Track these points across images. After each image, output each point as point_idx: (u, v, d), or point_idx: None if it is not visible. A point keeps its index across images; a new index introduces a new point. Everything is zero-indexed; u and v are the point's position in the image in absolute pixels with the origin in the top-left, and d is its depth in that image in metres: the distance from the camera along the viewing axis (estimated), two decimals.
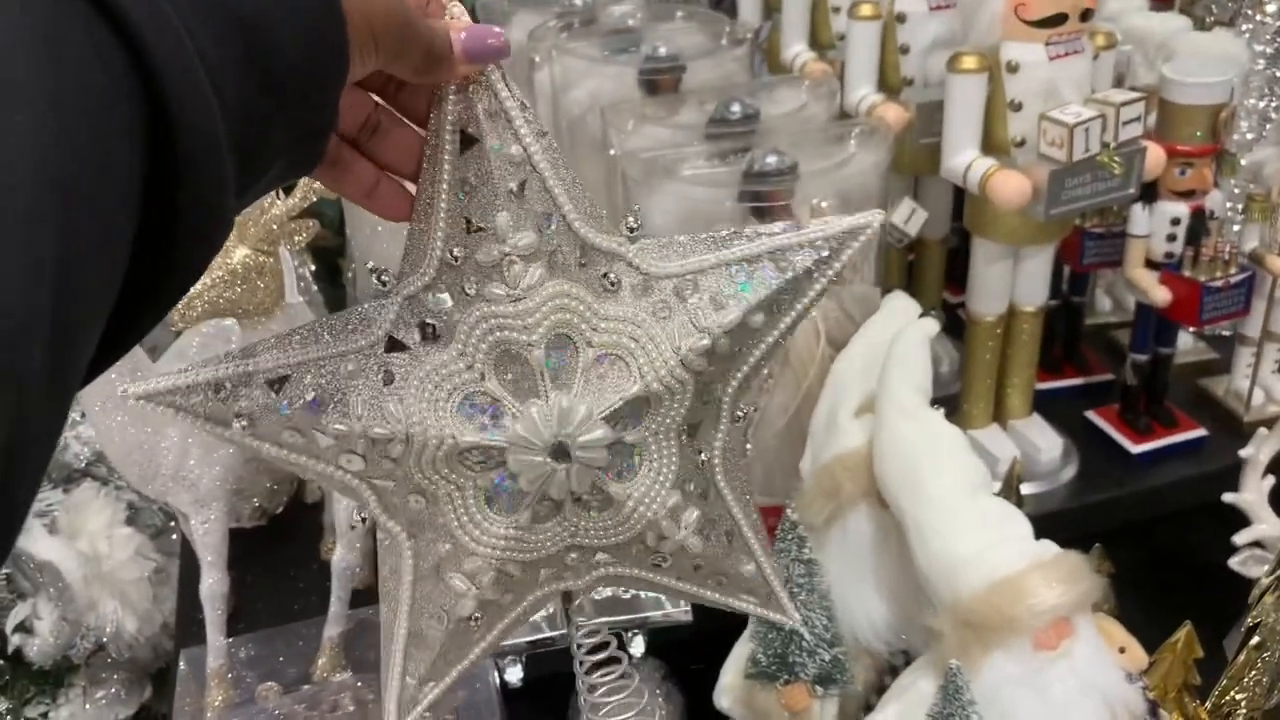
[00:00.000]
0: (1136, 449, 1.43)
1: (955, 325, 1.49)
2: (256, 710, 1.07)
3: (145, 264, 0.38)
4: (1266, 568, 1.09)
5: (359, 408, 0.59)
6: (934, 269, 1.58)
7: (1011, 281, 1.32)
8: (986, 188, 1.16)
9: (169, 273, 0.40)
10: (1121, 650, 0.98)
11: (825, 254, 0.62)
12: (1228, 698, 1.14)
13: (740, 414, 0.67)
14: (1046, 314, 1.37)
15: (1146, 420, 1.45)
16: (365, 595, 1.21)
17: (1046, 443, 1.39)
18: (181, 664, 1.14)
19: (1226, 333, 1.58)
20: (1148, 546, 1.61)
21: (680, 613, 1.20)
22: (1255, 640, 1.12)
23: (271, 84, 0.42)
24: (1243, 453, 1.37)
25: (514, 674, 1.22)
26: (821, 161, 1.24)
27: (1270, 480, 1.38)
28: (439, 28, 0.53)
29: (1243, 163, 1.47)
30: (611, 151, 1.33)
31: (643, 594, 1.24)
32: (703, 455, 0.66)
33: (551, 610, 1.19)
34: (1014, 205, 1.15)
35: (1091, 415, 1.49)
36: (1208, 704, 1.14)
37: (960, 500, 0.96)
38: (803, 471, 1.14)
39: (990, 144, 1.21)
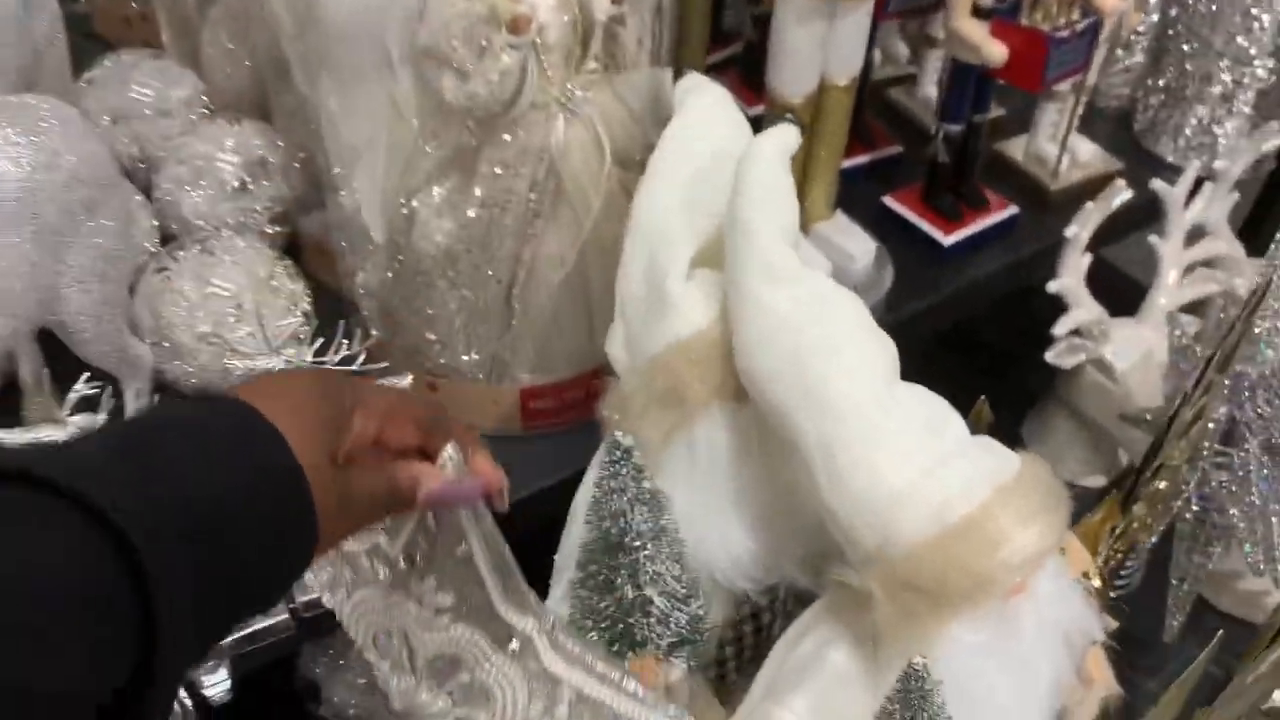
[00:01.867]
0: (948, 240, 1.19)
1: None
2: None
3: None
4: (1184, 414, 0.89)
5: None
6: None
7: (824, 49, 1.00)
8: None
9: None
10: (1060, 550, 0.75)
11: None
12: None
13: None
14: (860, 88, 1.07)
15: (952, 201, 1.22)
16: None
17: (860, 249, 1.12)
18: None
19: None
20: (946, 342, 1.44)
21: None
22: (1145, 478, 0.95)
23: (240, 596, 0.50)
24: (1067, 232, 1.17)
25: (217, 686, 0.84)
26: None
27: (1088, 258, 1.20)
28: (405, 486, 0.59)
29: None
30: None
31: None
32: None
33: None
34: None
35: (890, 201, 1.23)
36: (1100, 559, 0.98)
37: (879, 406, 0.66)
38: (613, 359, 0.80)
39: None
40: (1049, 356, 1.23)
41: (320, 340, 0.84)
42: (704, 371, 0.72)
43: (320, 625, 0.86)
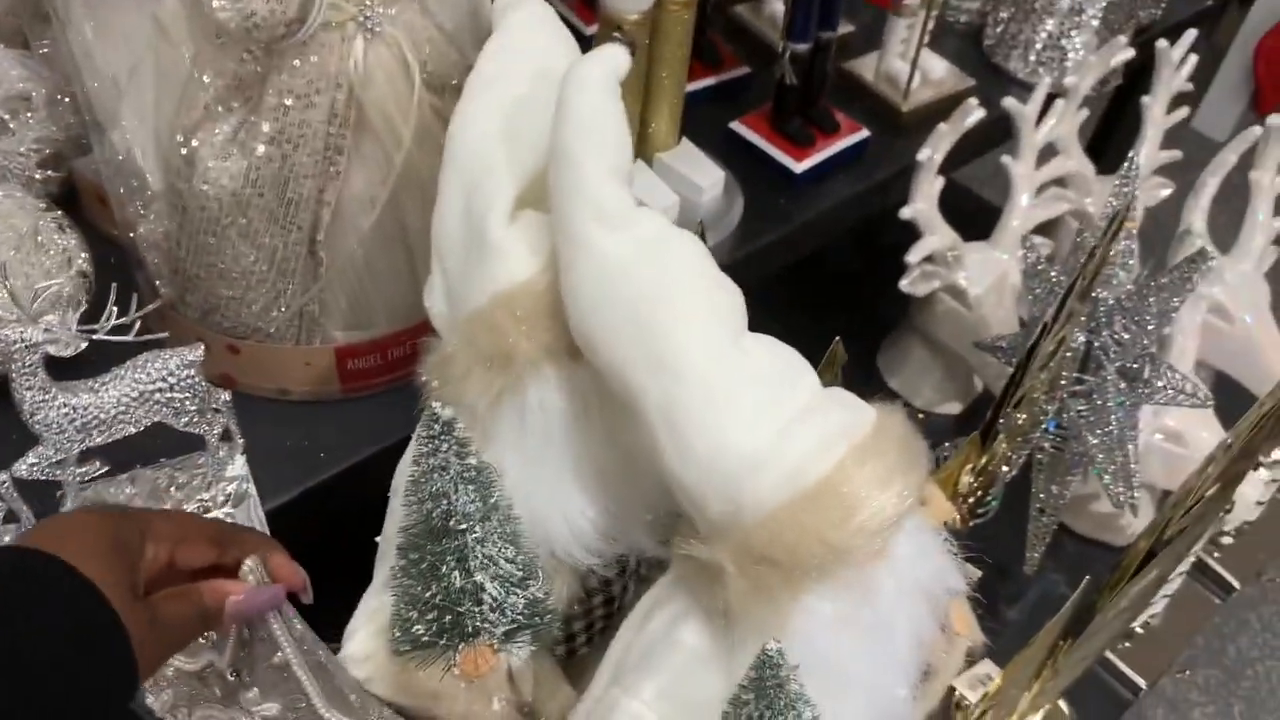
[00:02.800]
0: (800, 167, 1.13)
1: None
2: None
3: None
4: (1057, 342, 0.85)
5: None
6: None
7: None
8: None
9: None
10: (921, 502, 0.70)
11: None
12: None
13: None
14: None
15: (800, 124, 1.15)
16: None
17: (708, 180, 1.05)
18: None
19: None
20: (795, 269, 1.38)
21: None
22: (1007, 411, 0.91)
23: None
24: (920, 156, 1.12)
25: None
26: None
27: (941, 181, 1.16)
28: (211, 605, 0.60)
29: None
30: None
31: None
32: None
33: None
34: None
35: (739, 127, 1.16)
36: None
37: (726, 363, 0.59)
38: (432, 313, 0.70)
39: None
40: (903, 285, 1.19)
41: (84, 308, 0.72)
42: (531, 327, 0.64)
43: None
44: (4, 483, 0.70)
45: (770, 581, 0.58)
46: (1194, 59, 1.30)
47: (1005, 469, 0.97)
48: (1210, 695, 1.80)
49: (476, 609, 0.66)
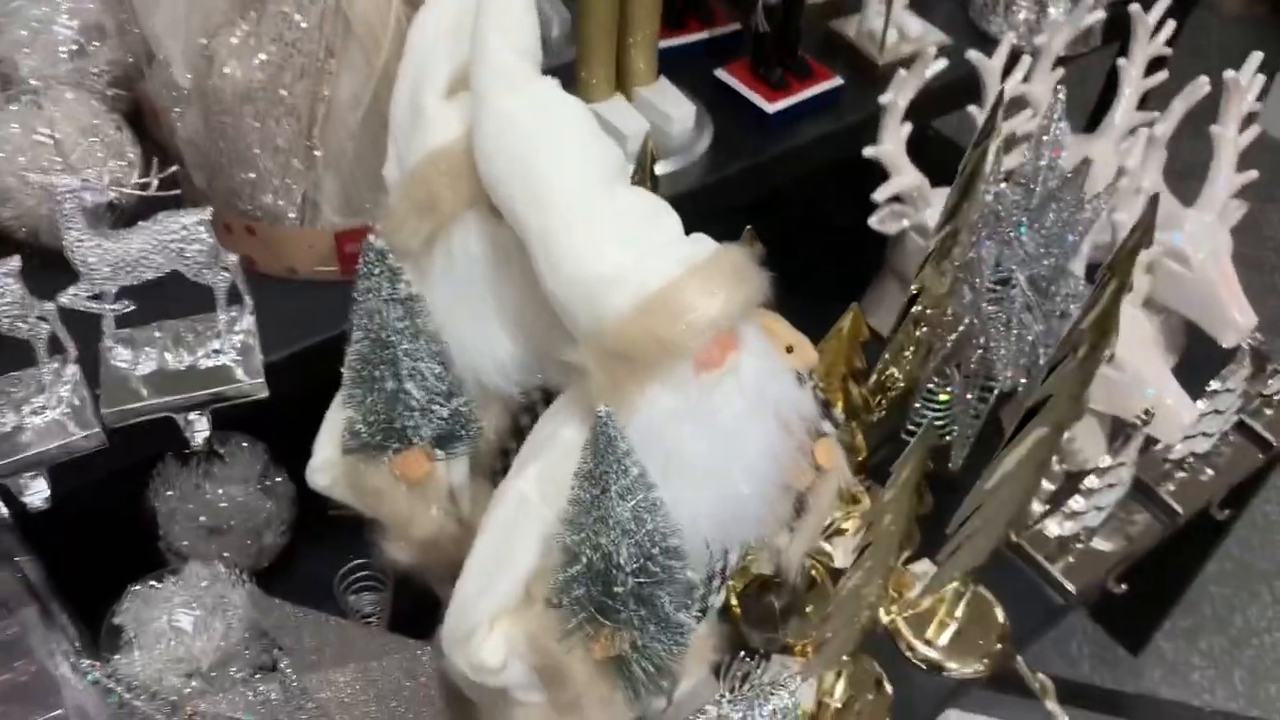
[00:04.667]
0: (772, 107, 1.26)
1: None
2: None
3: None
4: (924, 238, 0.96)
5: None
6: None
7: None
8: None
9: None
10: (789, 350, 0.83)
11: None
12: (888, 373, 1.05)
13: None
14: None
15: (780, 74, 1.28)
16: None
17: (679, 111, 1.18)
18: None
19: None
20: (780, 212, 1.50)
21: (252, 384, 0.92)
22: (915, 310, 1.02)
23: None
24: (883, 99, 1.24)
25: (36, 495, 0.90)
26: None
27: (908, 126, 1.27)
28: None
29: None
30: None
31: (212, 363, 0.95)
32: None
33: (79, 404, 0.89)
34: None
35: (721, 74, 1.29)
36: (869, 384, 1.05)
37: (593, 200, 0.73)
38: (388, 180, 0.86)
39: None
40: (871, 222, 1.30)
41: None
42: (453, 180, 0.79)
43: (134, 443, 0.93)
44: (51, 310, 0.88)
45: (621, 375, 0.71)
46: (1171, 24, 1.38)
47: (896, 376, 1.06)
48: (1212, 661, 1.83)
49: (406, 413, 0.81)
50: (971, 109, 1.30)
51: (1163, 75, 1.42)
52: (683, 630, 0.77)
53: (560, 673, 0.78)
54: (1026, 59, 1.30)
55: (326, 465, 0.88)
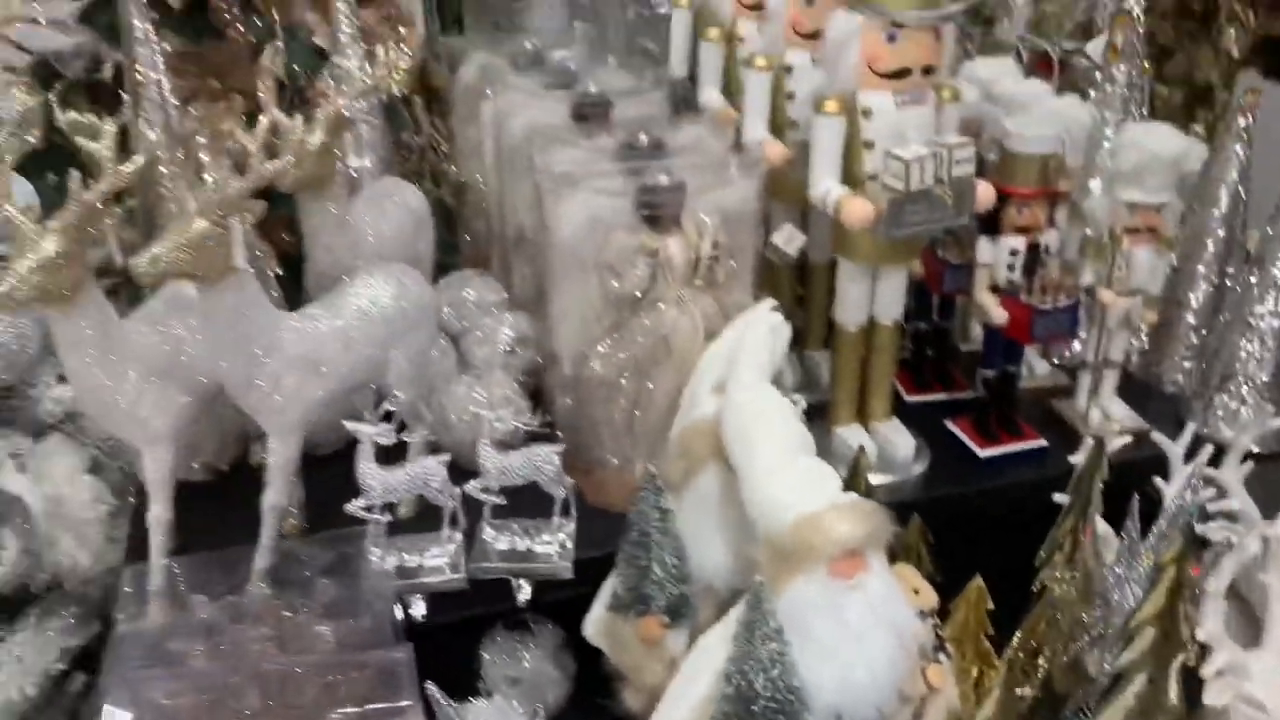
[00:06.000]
0: (984, 453, 1.63)
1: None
2: (188, 617, 1.25)
3: None
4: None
5: None
6: (821, 289, 1.78)
7: (871, 298, 1.53)
8: (839, 211, 1.38)
9: None
10: (916, 592, 1.17)
11: None
12: (1025, 650, 1.33)
13: None
14: (903, 329, 1.58)
15: (994, 429, 1.66)
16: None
17: (902, 441, 1.59)
18: (125, 580, 1.31)
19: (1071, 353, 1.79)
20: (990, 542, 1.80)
21: (561, 566, 1.37)
22: (1047, 595, 1.31)
23: None
24: (1073, 459, 1.57)
25: (418, 609, 1.39)
26: (708, 183, 1.45)
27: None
28: None
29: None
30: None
31: (541, 549, 1.43)
32: None
33: (453, 552, 1.38)
34: (859, 225, 1.36)
35: (949, 423, 1.69)
36: (1005, 655, 1.33)
37: (782, 457, 1.16)
38: (670, 438, 1.34)
39: (850, 177, 1.42)
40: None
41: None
42: (705, 440, 1.25)
43: (484, 591, 1.40)
44: (458, 494, 1.40)
45: (778, 566, 1.10)
46: None
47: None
48: None
49: (651, 585, 1.23)
50: (1157, 479, 1.59)
51: None
52: None
53: None
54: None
55: (595, 621, 1.31)
